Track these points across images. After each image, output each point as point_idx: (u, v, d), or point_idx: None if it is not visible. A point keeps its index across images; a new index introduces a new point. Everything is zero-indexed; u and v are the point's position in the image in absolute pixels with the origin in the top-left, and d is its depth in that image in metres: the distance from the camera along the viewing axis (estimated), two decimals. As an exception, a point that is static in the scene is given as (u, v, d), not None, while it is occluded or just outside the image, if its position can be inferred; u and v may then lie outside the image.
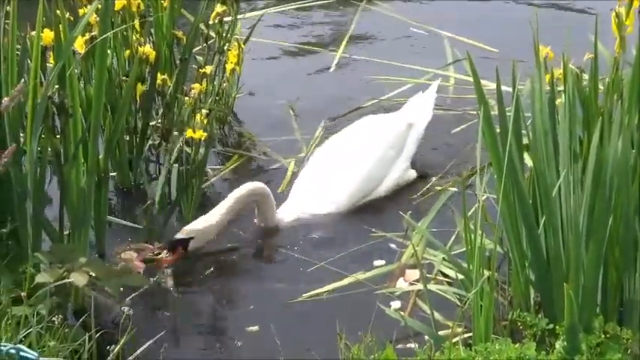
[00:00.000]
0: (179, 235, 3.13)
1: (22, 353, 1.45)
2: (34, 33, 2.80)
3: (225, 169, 3.84)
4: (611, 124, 2.38)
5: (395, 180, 3.64)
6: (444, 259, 3.10)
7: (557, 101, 2.66)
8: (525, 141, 2.65)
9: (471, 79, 2.58)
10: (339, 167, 3.56)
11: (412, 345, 2.67)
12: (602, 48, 3.25)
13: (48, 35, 2.92)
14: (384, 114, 3.96)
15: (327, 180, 3.52)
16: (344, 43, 5.05)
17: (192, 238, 3.12)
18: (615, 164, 2.35)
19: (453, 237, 3.29)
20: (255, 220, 3.42)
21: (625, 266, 2.44)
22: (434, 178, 3.72)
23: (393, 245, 3.32)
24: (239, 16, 4.23)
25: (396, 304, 2.94)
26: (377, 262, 3.22)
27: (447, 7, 5.53)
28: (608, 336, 2.29)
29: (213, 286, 3.16)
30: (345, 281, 3.11)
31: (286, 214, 3.44)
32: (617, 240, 2.41)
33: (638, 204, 2.43)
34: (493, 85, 2.61)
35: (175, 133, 3.54)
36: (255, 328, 2.89)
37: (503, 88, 2.58)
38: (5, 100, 2.32)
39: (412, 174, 3.70)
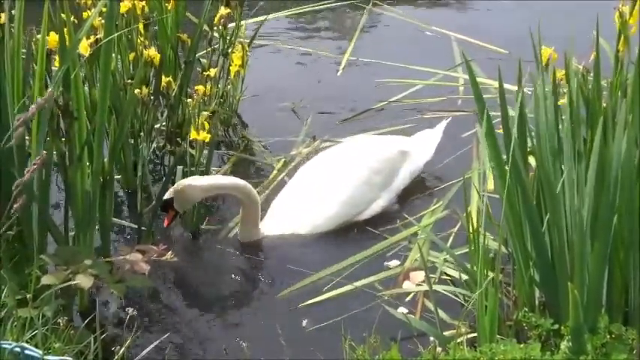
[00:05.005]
0: (166, 196, 3.22)
1: (26, 351, 1.45)
2: (39, 36, 2.81)
3: (221, 170, 3.84)
4: (614, 124, 2.37)
5: (379, 208, 3.49)
6: (445, 260, 3.10)
7: (561, 101, 2.66)
8: (529, 141, 2.65)
9: (482, 80, 2.59)
10: (321, 188, 3.42)
11: (417, 345, 2.67)
12: (607, 47, 3.25)
13: (53, 38, 2.93)
14: (378, 136, 3.83)
15: (308, 200, 3.40)
16: (351, 45, 5.05)
17: (172, 198, 3.21)
18: (620, 163, 2.34)
19: (452, 238, 3.30)
20: (237, 233, 3.38)
21: (630, 266, 2.43)
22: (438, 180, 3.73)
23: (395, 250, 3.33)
24: (244, 21, 4.23)
25: (402, 310, 2.94)
26: (388, 263, 3.22)
27: (457, 8, 5.53)
28: (613, 336, 2.28)
29: (218, 289, 3.17)
30: (350, 286, 3.10)
31: (267, 228, 3.37)
32: (621, 239, 2.40)
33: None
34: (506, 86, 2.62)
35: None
36: (261, 329, 2.89)
37: (512, 88, 2.57)
38: (32, 107, 2.34)
39: (395, 207, 3.54)
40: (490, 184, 3.42)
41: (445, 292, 2.93)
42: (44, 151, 2.36)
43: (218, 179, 3.38)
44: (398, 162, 3.59)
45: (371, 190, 3.47)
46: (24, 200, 2.17)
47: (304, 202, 3.40)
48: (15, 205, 2.14)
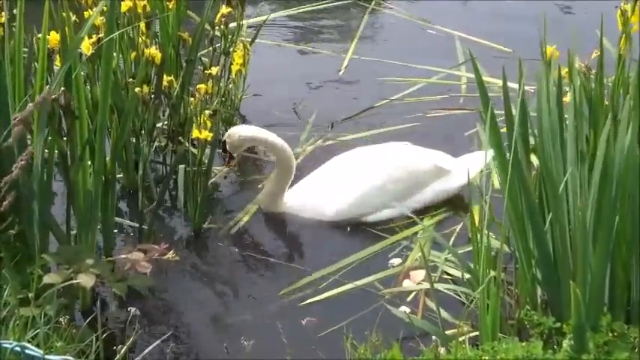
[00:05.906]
0: (224, 138, 3.50)
1: (27, 351, 1.45)
2: (40, 35, 2.81)
3: (223, 168, 3.83)
4: (616, 122, 2.37)
5: (386, 217, 3.46)
6: (446, 259, 3.10)
7: (564, 99, 2.65)
8: (532, 140, 2.65)
9: (485, 79, 2.59)
10: (338, 181, 3.48)
11: (419, 344, 2.67)
12: (609, 46, 3.24)
13: (54, 37, 2.93)
14: (421, 148, 3.61)
15: (324, 189, 3.48)
16: (353, 44, 5.04)
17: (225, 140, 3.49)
18: (623, 162, 2.33)
19: (453, 237, 3.29)
20: (261, 206, 3.52)
21: (632, 264, 2.42)
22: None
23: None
24: (246, 20, 4.22)
25: (404, 309, 2.93)
26: (392, 261, 3.22)
27: (460, 6, 5.52)
28: (615, 334, 2.28)
29: (220, 288, 3.17)
30: (351, 285, 3.10)
31: (288, 205, 3.49)
32: (624, 238, 2.40)
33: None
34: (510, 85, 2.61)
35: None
36: (263, 328, 2.89)
37: (516, 86, 2.57)
38: (29, 105, 2.34)
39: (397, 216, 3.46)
40: (493, 183, 3.42)
41: (446, 291, 2.93)
42: (30, 148, 2.35)
43: (261, 133, 3.50)
44: (428, 177, 3.49)
45: (382, 195, 3.44)
46: (13, 197, 2.17)
47: (321, 191, 3.49)
48: (4, 203, 2.14)
